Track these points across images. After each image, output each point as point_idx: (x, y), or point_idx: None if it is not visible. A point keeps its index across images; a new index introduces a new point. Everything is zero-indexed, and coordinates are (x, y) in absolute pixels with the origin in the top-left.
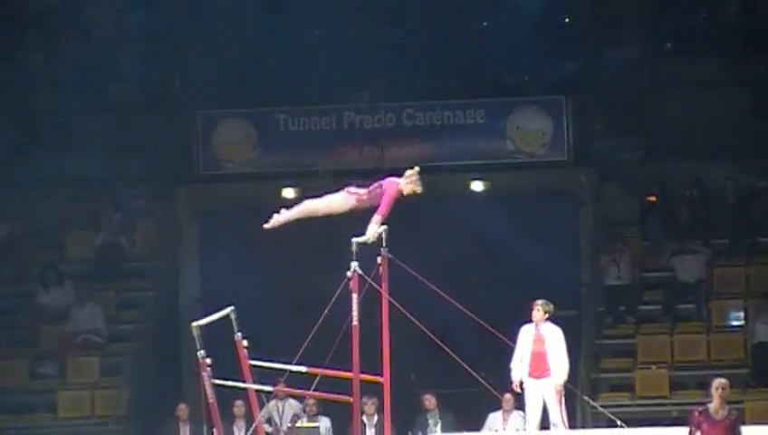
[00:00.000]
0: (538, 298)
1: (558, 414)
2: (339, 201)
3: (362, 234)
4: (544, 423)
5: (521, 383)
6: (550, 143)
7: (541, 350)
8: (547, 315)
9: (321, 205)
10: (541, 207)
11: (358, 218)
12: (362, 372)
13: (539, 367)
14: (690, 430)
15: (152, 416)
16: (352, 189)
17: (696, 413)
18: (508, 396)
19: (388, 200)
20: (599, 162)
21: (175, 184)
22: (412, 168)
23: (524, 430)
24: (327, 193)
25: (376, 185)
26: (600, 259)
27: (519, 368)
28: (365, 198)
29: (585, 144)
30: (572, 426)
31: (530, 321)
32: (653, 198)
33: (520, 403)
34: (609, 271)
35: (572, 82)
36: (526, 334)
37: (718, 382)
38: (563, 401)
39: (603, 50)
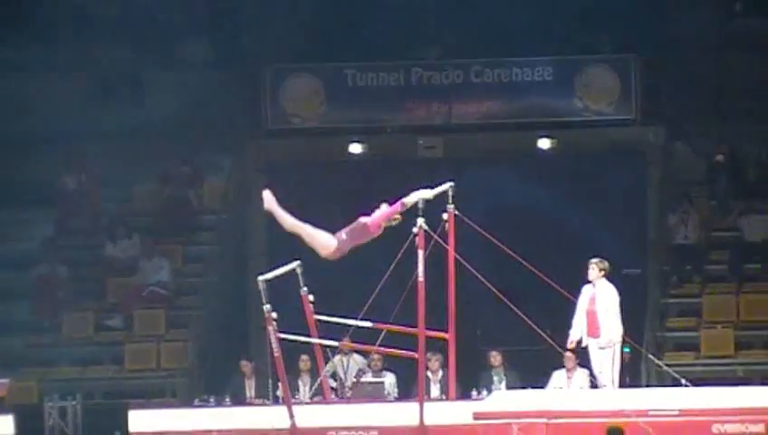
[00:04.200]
0: (601, 257)
1: (609, 376)
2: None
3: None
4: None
5: (578, 342)
6: (618, 101)
7: (594, 309)
8: (603, 273)
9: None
10: (608, 165)
11: (431, 175)
12: (428, 329)
13: (592, 327)
14: None
15: (218, 370)
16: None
17: None
18: (569, 354)
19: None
20: (667, 121)
21: (243, 138)
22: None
23: (589, 387)
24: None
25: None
26: (669, 219)
27: (577, 328)
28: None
29: (653, 103)
30: (636, 384)
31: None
32: (721, 158)
33: (583, 361)
34: (677, 230)
35: (642, 39)
36: (584, 294)
37: None
38: (617, 361)
39: (674, 7)
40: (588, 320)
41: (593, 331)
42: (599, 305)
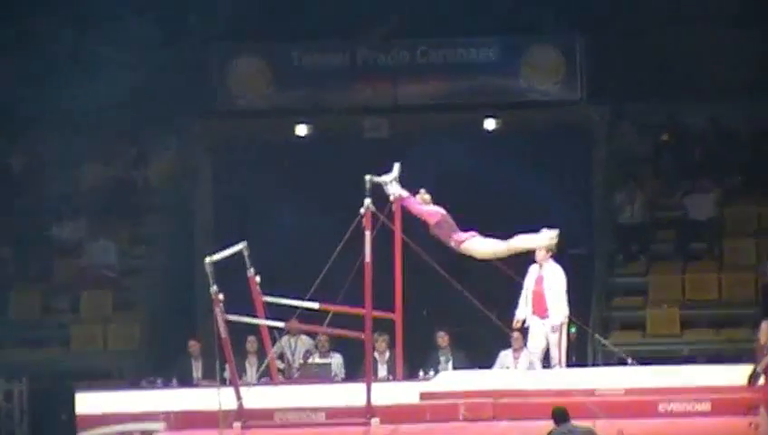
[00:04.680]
0: None
1: (555, 355)
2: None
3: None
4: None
5: (523, 322)
6: (563, 81)
7: (541, 289)
8: (550, 254)
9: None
10: (553, 144)
11: (377, 156)
12: (375, 309)
13: (540, 307)
14: None
15: (165, 351)
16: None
17: None
18: (516, 334)
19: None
20: (612, 100)
21: (189, 119)
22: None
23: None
24: None
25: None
26: (615, 198)
27: (523, 307)
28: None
29: (598, 82)
30: (583, 364)
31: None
32: (666, 137)
33: None
34: (623, 210)
35: (587, 19)
36: (531, 274)
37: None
38: (563, 342)
39: None
40: (534, 300)
41: (540, 311)
42: (546, 286)
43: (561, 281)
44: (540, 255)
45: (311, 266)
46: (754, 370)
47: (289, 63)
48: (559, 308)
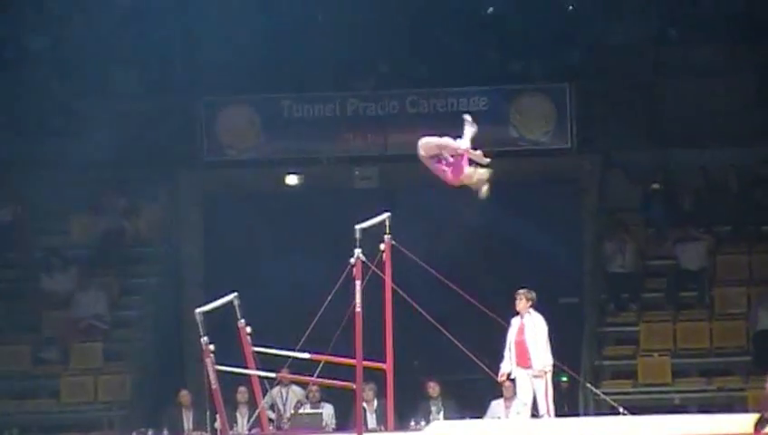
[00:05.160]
0: (535, 286)
1: (543, 404)
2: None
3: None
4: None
5: (508, 375)
6: (553, 130)
7: (522, 340)
8: (530, 304)
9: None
10: (544, 193)
11: (368, 206)
12: (365, 359)
13: (522, 357)
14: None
15: (155, 402)
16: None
17: None
18: (508, 384)
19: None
20: (602, 149)
21: (178, 169)
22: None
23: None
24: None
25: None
26: (605, 247)
27: (507, 359)
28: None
29: (589, 131)
30: (574, 413)
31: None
32: (656, 186)
33: None
34: (613, 258)
35: (576, 68)
36: (513, 326)
37: None
38: (550, 390)
39: (607, 36)
40: (517, 350)
41: (523, 361)
42: (527, 336)
43: (542, 330)
44: (520, 304)
45: (301, 316)
46: (762, 416)
47: (278, 114)
48: (541, 357)
